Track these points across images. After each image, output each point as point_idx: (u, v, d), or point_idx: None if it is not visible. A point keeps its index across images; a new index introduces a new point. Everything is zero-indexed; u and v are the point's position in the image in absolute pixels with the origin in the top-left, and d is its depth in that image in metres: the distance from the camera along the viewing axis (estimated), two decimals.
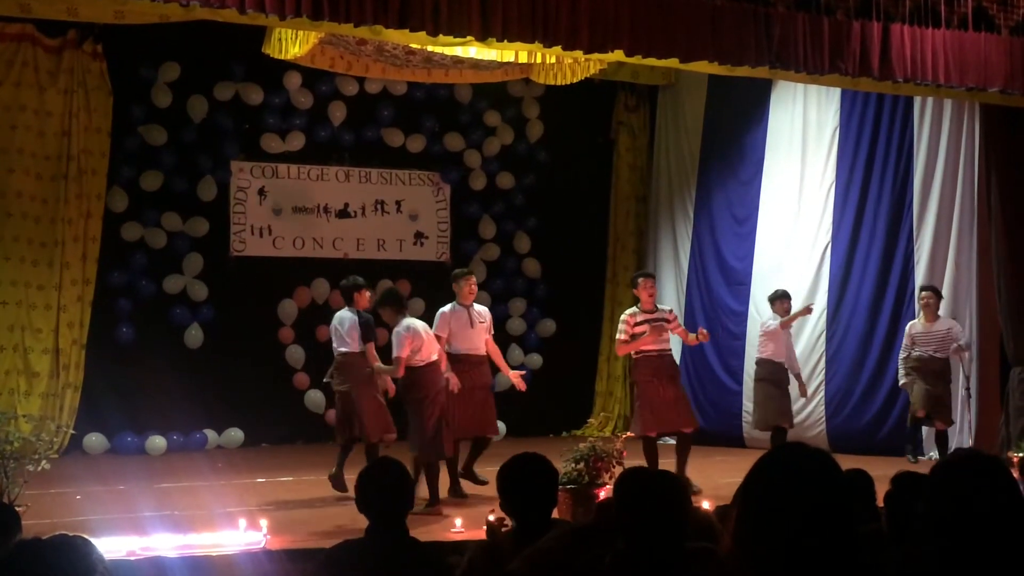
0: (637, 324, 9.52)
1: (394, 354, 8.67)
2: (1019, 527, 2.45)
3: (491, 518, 5.89)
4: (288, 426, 13.29)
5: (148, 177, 12.86)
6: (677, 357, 10.62)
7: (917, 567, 2.51)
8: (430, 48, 9.53)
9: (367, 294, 9.42)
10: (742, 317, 13.20)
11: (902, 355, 11.07)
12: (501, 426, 13.64)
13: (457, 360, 9.30)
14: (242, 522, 7.13)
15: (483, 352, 9.54)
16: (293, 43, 9.61)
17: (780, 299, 10.91)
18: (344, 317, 9.27)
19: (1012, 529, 2.44)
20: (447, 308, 9.46)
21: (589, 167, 14.88)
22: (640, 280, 9.74)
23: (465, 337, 9.38)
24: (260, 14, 7.44)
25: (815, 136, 12.67)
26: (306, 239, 13.75)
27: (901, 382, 11.05)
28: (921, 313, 11.02)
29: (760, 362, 10.84)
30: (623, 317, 9.66)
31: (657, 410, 9.45)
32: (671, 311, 9.88)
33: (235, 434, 12.94)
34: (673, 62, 9.06)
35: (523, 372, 10.16)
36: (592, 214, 14.84)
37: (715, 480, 9.51)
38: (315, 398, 13.44)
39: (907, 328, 11.09)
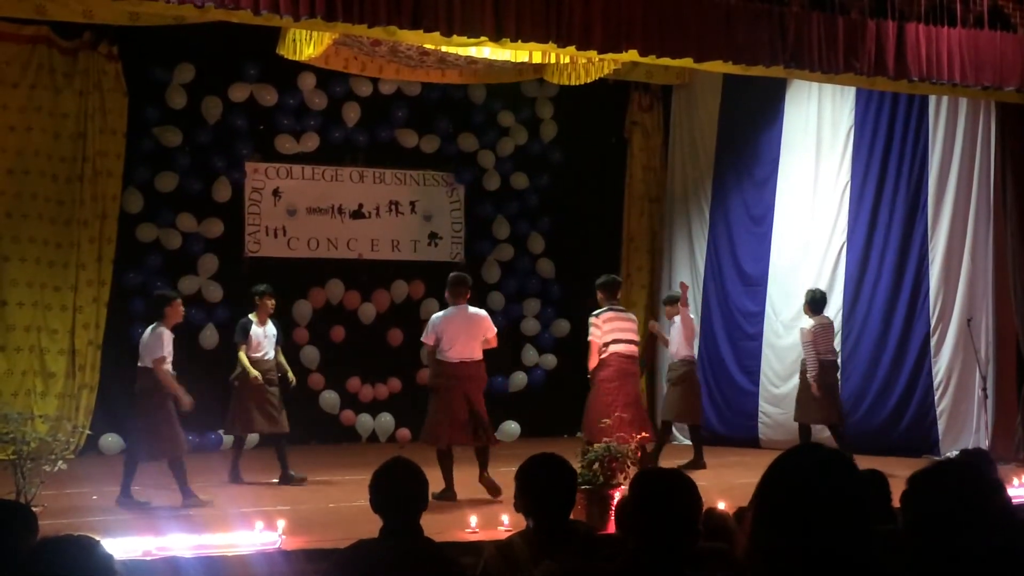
0: None
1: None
2: (995, 532, 2.43)
3: None
4: (303, 427, 13.23)
5: (163, 178, 12.89)
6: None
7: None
8: (444, 49, 9.55)
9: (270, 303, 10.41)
10: (758, 318, 13.16)
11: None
12: (515, 427, 13.74)
13: None
14: (258, 523, 7.14)
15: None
16: (307, 44, 9.64)
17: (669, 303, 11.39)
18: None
19: (988, 532, 2.43)
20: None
21: (603, 167, 14.86)
22: None
23: None
24: (274, 15, 7.46)
25: (830, 135, 12.63)
26: (320, 240, 13.77)
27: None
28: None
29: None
30: None
31: None
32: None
33: (251, 435, 12.93)
34: (687, 62, 9.05)
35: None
36: (606, 214, 14.81)
37: (730, 481, 9.49)
38: (330, 399, 13.45)
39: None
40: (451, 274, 9.76)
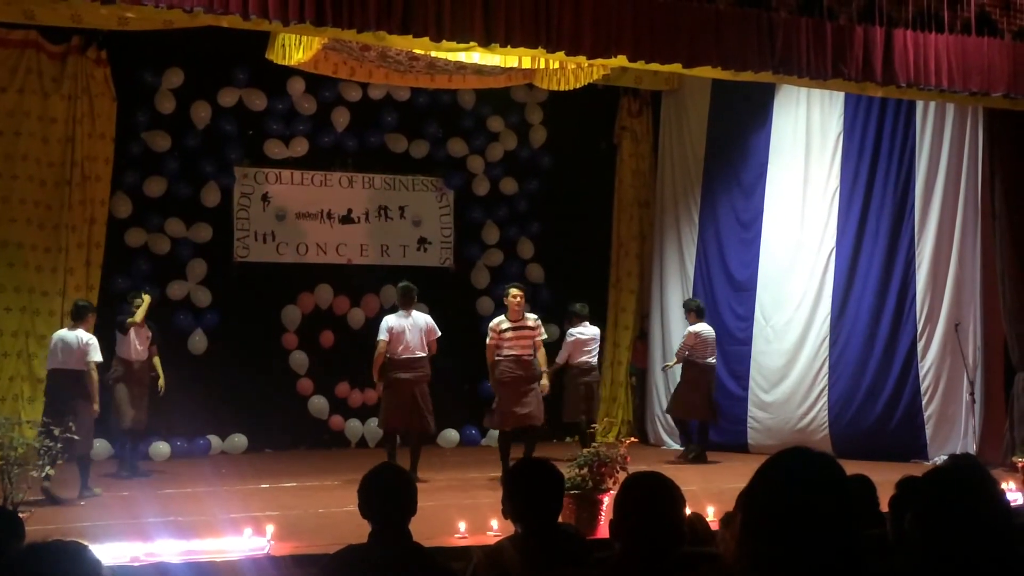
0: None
1: None
2: (1002, 536, 2.44)
3: None
4: (292, 432, 13.29)
5: (152, 183, 12.88)
6: None
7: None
8: (433, 54, 9.54)
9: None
10: (747, 323, 13.18)
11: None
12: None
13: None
14: (247, 529, 7.13)
15: None
16: (297, 49, 9.63)
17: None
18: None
19: (995, 537, 2.43)
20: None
21: (592, 172, 14.88)
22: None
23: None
24: (264, 20, 7.44)
25: (819, 141, 12.65)
26: (309, 245, 13.75)
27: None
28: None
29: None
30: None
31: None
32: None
33: (239, 440, 12.95)
34: (676, 67, 9.05)
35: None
36: (595, 219, 14.84)
37: (719, 486, 9.50)
38: (319, 404, 13.44)
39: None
40: (402, 284, 11.01)
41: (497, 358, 10.54)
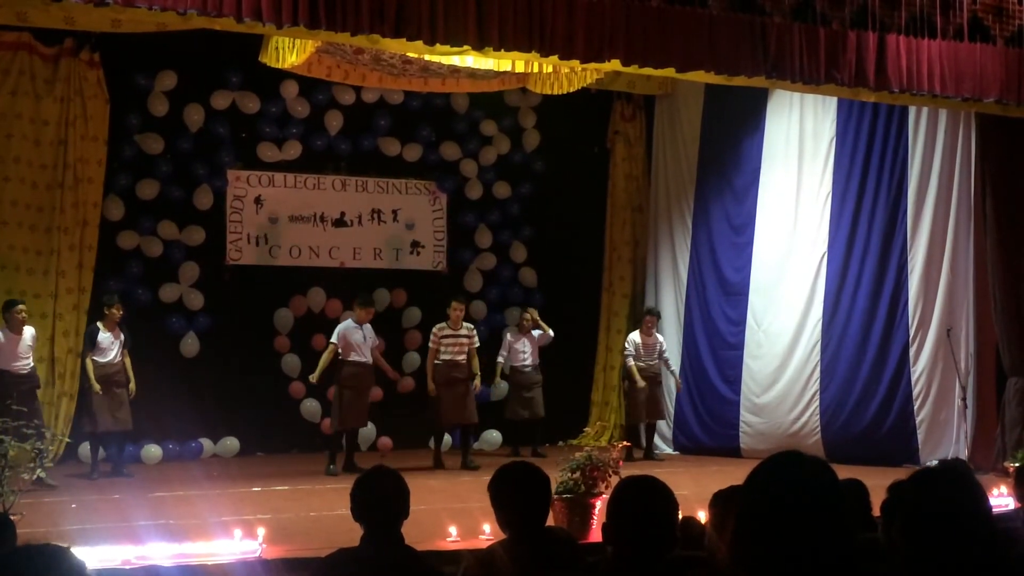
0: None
1: None
2: (986, 537, 2.44)
3: None
4: (284, 435, 13.26)
5: (144, 186, 12.85)
6: None
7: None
8: (427, 57, 9.55)
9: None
10: (739, 327, 13.19)
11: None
12: (496, 436, 13.78)
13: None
14: (238, 531, 7.11)
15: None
16: (290, 52, 9.63)
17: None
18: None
19: (977, 541, 2.43)
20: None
21: (585, 176, 14.87)
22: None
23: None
24: (257, 22, 7.45)
25: (811, 146, 12.67)
26: (302, 248, 13.74)
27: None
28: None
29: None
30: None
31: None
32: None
33: (231, 443, 12.92)
34: (670, 72, 9.08)
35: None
36: (588, 223, 14.83)
37: (712, 490, 9.49)
38: (311, 407, 13.41)
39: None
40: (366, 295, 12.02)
41: (436, 362, 11.78)
